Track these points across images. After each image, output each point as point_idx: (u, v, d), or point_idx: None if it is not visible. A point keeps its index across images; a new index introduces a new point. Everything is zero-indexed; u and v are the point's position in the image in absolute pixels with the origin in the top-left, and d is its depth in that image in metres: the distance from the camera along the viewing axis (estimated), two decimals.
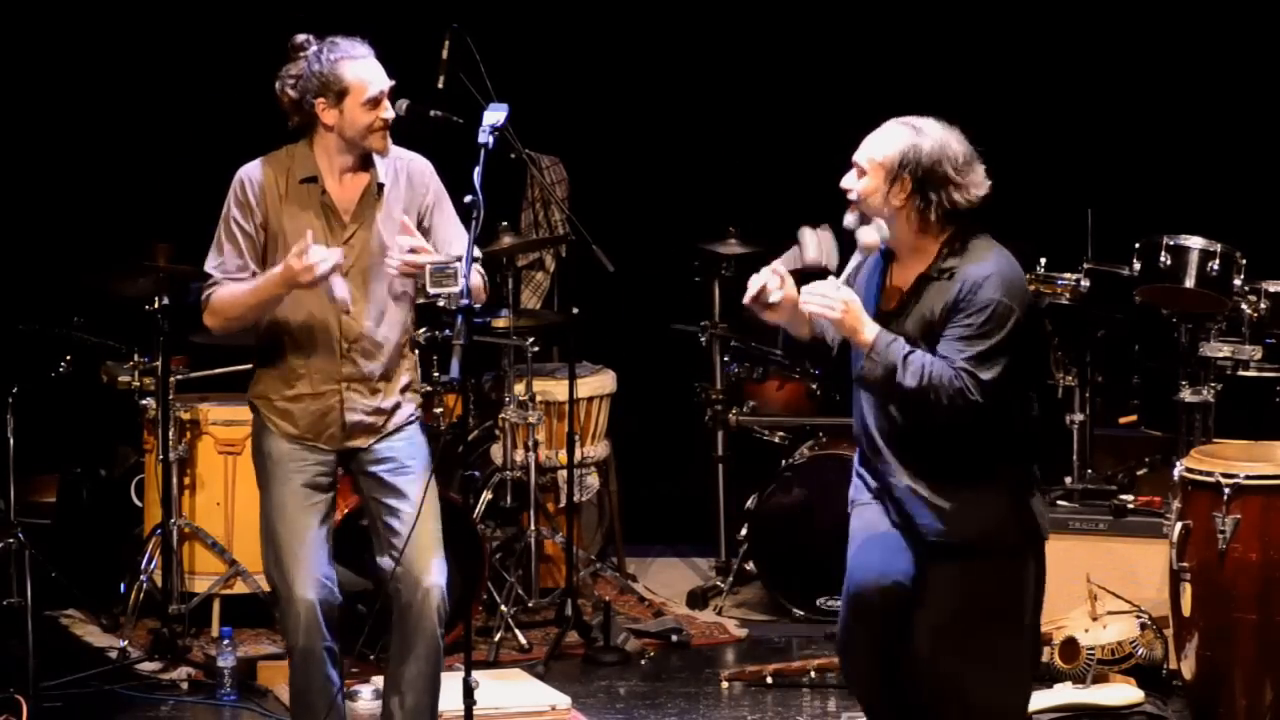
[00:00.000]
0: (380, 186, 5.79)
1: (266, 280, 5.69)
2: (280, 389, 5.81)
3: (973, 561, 5.38)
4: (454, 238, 5.79)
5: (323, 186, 5.77)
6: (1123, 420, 7.85)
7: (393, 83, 5.76)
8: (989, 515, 5.38)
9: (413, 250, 5.63)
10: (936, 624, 5.37)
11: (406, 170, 5.85)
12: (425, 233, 5.79)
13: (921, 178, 5.31)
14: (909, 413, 5.32)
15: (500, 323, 8.03)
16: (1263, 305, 7.34)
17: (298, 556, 5.76)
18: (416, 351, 6.17)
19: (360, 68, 5.73)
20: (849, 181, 5.41)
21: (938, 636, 5.37)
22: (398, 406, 5.85)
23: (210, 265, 5.80)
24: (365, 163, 5.80)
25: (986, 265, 5.34)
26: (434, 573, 5.75)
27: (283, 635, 6.01)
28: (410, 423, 5.88)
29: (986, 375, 5.24)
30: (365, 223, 5.76)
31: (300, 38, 5.79)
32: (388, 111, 5.74)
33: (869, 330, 5.25)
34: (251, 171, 5.80)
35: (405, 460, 5.83)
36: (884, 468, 5.43)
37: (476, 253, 5.84)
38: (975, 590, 5.38)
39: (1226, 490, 6.45)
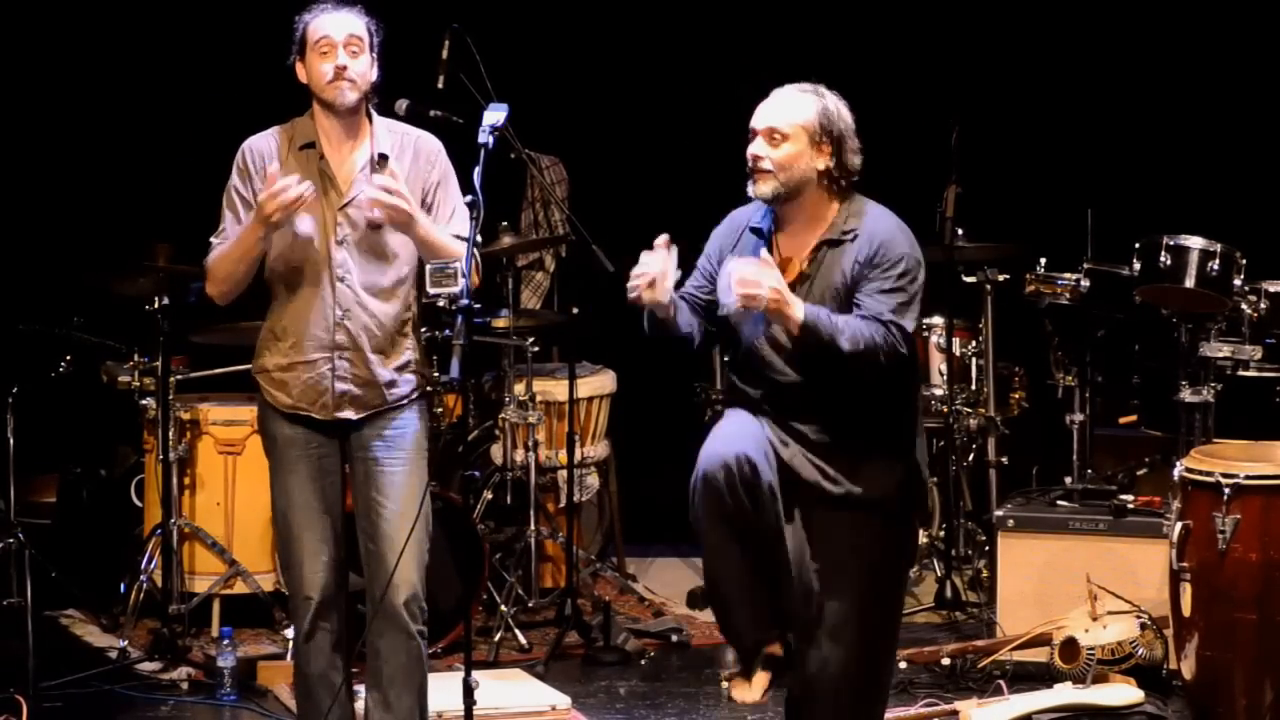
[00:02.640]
0: (383, 157, 5.78)
1: (245, 227, 5.69)
2: (276, 358, 5.81)
3: (866, 518, 5.37)
4: (453, 217, 5.76)
5: (321, 152, 5.77)
6: (1123, 420, 7.85)
7: (350, 32, 5.70)
8: (890, 475, 5.39)
9: (388, 191, 5.60)
10: (823, 568, 5.37)
11: (414, 146, 5.83)
12: (428, 210, 5.77)
13: (837, 139, 5.36)
14: (843, 375, 5.28)
15: (500, 323, 8.02)
16: (1263, 305, 7.34)
17: (305, 542, 5.78)
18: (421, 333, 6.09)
19: (319, 19, 5.74)
20: (763, 149, 5.38)
21: (823, 580, 5.38)
22: (393, 384, 5.82)
23: (213, 236, 5.82)
24: (357, 130, 5.78)
25: (888, 222, 5.40)
26: (405, 568, 5.71)
27: (290, 619, 6.02)
28: (406, 403, 5.84)
29: (910, 325, 5.32)
30: (363, 191, 5.73)
31: None
32: (340, 59, 5.69)
33: (798, 309, 5.24)
34: (254, 140, 5.82)
35: (393, 449, 5.79)
36: (788, 431, 5.39)
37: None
38: (864, 544, 5.38)
39: (1226, 490, 6.45)
